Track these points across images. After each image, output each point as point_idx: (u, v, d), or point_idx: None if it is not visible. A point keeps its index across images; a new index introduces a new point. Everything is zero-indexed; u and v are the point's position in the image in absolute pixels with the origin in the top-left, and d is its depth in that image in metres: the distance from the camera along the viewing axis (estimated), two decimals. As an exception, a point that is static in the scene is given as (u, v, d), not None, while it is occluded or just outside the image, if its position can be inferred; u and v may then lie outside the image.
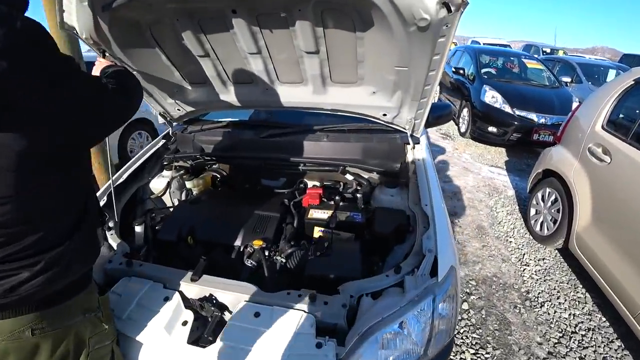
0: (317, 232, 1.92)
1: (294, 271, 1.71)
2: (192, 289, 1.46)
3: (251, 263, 1.70)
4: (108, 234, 1.82)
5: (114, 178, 2.18)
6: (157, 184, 2.33)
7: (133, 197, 2.24)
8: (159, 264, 1.95)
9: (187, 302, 1.39)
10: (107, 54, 1.73)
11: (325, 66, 1.81)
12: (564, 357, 2.62)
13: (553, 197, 3.69)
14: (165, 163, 2.42)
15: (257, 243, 1.70)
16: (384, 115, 2.13)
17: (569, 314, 3.00)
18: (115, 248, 1.73)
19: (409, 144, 2.24)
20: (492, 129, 6.28)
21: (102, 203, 1.93)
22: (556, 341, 2.74)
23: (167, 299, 1.37)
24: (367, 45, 1.62)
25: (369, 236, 1.88)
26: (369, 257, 1.79)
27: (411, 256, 1.54)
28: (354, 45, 1.64)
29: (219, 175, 2.47)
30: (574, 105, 6.30)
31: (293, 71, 1.89)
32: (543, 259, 3.63)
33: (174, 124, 2.55)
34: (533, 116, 6.04)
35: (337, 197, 2.10)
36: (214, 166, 2.53)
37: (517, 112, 6.12)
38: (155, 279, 1.47)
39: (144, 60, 1.88)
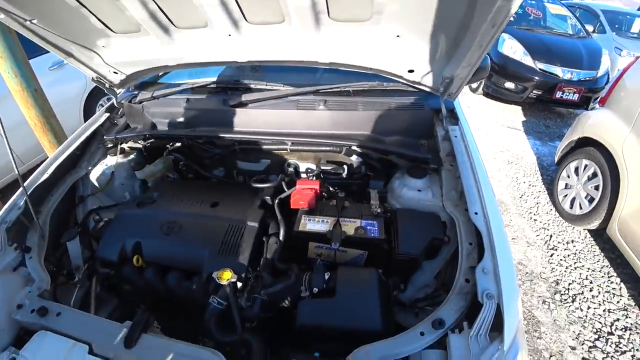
0: (313, 249, 1.35)
1: (280, 313, 1.20)
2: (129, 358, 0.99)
3: (218, 302, 1.15)
4: (26, 257, 1.28)
5: (40, 170, 1.57)
6: (97, 175, 1.71)
7: (70, 196, 1.64)
8: (106, 291, 1.45)
9: None
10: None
11: None
12: (601, 364, 2.22)
13: (591, 171, 3.09)
14: (108, 146, 1.78)
15: (225, 276, 1.14)
16: (410, 71, 1.45)
17: (604, 310, 2.56)
18: (35, 279, 1.22)
19: (440, 111, 1.58)
20: (509, 84, 5.47)
21: (18, 212, 1.34)
22: (591, 344, 2.32)
23: (91, 375, 0.95)
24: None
25: (390, 256, 1.31)
26: (386, 279, 1.26)
27: (454, 297, 1.01)
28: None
29: (182, 158, 1.83)
30: (604, 58, 5.45)
31: (266, 3, 1.20)
32: (572, 242, 3.13)
33: (119, 90, 1.86)
34: (557, 70, 5.23)
35: (340, 194, 1.49)
36: (176, 144, 1.87)
37: (540, 66, 5.28)
38: (79, 337, 1.04)
39: (38, 3, 1.18)
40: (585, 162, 3.18)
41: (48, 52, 4.01)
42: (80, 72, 3.77)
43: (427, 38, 1.25)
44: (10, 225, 1.31)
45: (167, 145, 1.87)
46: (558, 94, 5.19)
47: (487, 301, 0.93)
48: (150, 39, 1.41)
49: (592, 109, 5.29)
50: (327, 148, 1.59)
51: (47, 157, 3.17)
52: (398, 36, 1.26)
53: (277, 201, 1.46)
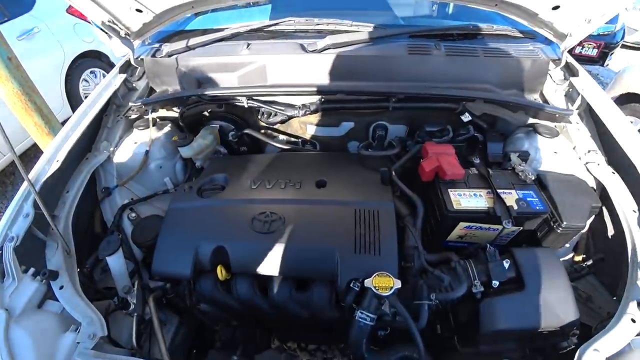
0: (459, 231, 1.03)
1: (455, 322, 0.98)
2: None
3: (369, 317, 0.82)
4: (54, 286, 0.88)
5: (45, 157, 1.11)
6: (126, 157, 1.24)
7: (90, 190, 1.17)
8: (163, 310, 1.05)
9: None
10: None
11: None
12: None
13: (638, 127, 2.83)
14: (132, 117, 1.29)
15: (384, 282, 0.81)
16: (555, 8, 1.15)
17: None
18: (79, 320, 0.81)
19: (558, 60, 1.33)
20: (526, 42, 5.06)
21: (26, 221, 0.94)
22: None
23: None
24: None
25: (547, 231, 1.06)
26: None
27: None
28: None
29: (232, 127, 1.36)
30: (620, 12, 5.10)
31: None
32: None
33: (136, 42, 1.33)
34: (576, 26, 4.81)
35: (475, 159, 1.16)
36: (217, 109, 1.40)
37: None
38: None
39: None
40: (630, 119, 2.92)
41: (12, 18, 3.20)
42: (57, 41, 3.13)
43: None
44: (18, 242, 0.88)
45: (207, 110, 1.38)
46: (577, 49, 4.79)
47: None
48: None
49: (606, 65, 5.08)
50: (443, 104, 1.23)
51: (34, 144, 2.59)
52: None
53: (394, 172, 1.10)
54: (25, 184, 1.05)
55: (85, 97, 3.33)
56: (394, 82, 1.18)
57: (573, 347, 0.88)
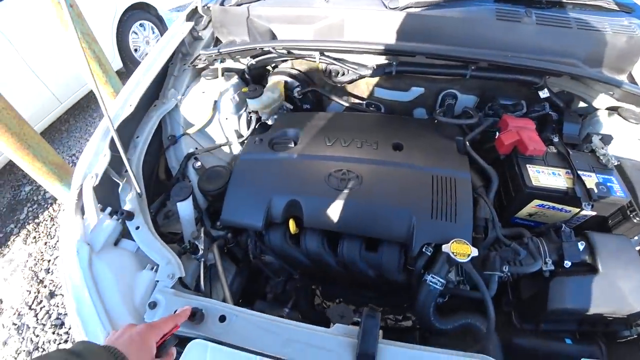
0: (529, 208, 0.97)
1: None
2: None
3: (440, 282, 0.80)
4: (130, 227, 0.89)
5: (118, 102, 1.10)
6: (193, 107, 1.22)
7: (156, 137, 1.17)
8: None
9: None
10: None
11: None
12: None
13: None
14: (199, 66, 1.25)
15: (462, 249, 0.78)
16: None
17: None
18: (157, 261, 0.83)
19: None
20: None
21: (105, 162, 0.94)
22: None
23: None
24: None
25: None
26: None
27: None
28: None
29: (296, 83, 1.30)
30: None
31: None
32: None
33: (204, -13, 1.27)
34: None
35: (554, 136, 1.06)
36: (282, 65, 1.34)
37: None
38: (262, 351, 0.67)
39: None
40: None
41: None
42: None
43: None
44: (97, 181, 0.91)
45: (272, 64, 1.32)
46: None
47: None
48: None
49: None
50: (525, 77, 1.11)
51: (87, 94, 2.64)
52: None
53: (468, 142, 1.03)
54: (102, 124, 1.06)
55: (135, 50, 3.36)
56: (478, 48, 1.07)
57: (635, 337, 0.84)
